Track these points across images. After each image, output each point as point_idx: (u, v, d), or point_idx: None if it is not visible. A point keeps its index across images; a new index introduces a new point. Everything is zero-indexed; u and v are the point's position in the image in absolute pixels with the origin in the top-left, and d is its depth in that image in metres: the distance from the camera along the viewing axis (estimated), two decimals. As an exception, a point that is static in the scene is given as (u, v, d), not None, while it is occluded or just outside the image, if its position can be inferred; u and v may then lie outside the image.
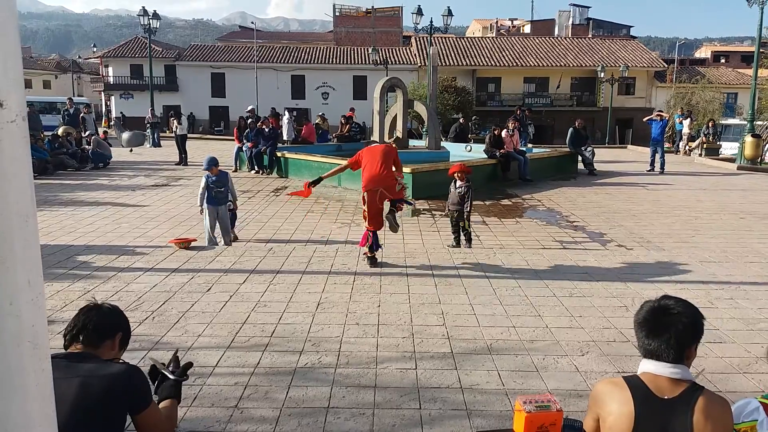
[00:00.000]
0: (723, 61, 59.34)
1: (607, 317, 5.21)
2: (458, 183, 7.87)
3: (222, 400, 3.73)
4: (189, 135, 18.97)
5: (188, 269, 6.55)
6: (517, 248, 7.70)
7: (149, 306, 5.38)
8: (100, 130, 22.33)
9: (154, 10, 24.91)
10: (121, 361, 2.29)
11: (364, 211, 6.92)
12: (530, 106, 29.56)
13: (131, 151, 19.97)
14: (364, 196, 6.92)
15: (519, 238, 8.29)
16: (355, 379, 4.03)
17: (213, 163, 7.77)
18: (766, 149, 19.84)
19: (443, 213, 10.07)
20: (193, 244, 7.51)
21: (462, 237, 7.85)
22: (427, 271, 6.61)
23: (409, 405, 3.70)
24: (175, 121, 17.70)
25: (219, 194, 7.73)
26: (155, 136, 23.14)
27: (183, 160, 16.76)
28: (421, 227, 8.98)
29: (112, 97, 44.63)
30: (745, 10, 17.99)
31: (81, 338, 2.25)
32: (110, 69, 45.16)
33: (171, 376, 2.45)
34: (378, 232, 6.91)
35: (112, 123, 35.14)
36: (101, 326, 2.28)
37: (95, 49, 65.22)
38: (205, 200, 7.67)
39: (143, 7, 24.25)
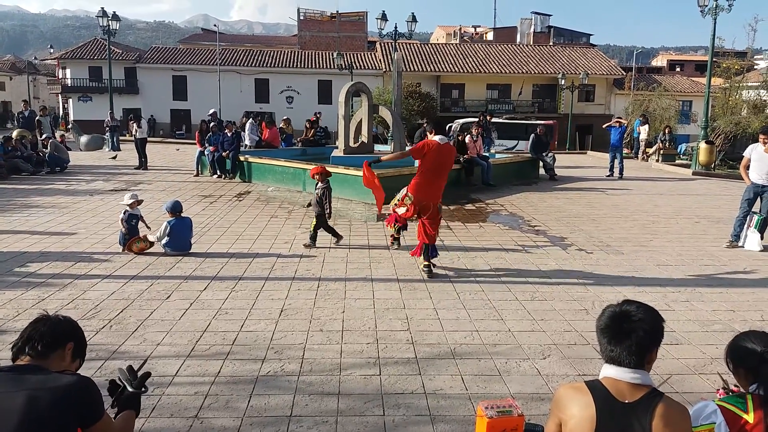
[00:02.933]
0: (678, 69, 61.17)
1: (568, 320, 5.29)
2: (318, 184, 8.09)
3: (181, 410, 3.65)
4: (149, 138, 18.58)
5: (147, 276, 6.41)
6: (481, 252, 7.76)
7: (107, 314, 5.25)
8: (58, 134, 21.74)
9: (114, 12, 24.39)
10: (70, 372, 2.22)
11: (403, 212, 6.73)
12: (492, 111, 29.93)
13: (115, 158, 19.35)
14: (407, 195, 6.57)
15: (482, 243, 8.36)
16: (318, 386, 3.99)
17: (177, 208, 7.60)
18: (719, 155, 20.53)
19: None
20: (150, 249, 7.34)
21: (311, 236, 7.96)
22: (392, 276, 6.61)
23: (372, 411, 3.68)
24: (134, 124, 17.33)
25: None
26: (114, 139, 22.61)
27: (143, 165, 16.42)
28: (387, 233, 8.97)
29: (70, 100, 43.50)
30: (699, 20, 18.60)
31: (27, 350, 2.16)
32: (68, 71, 44.02)
33: (129, 388, 2.39)
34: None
35: (69, 126, 34.23)
36: (49, 337, 2.20)
37: (52, 51, 63.51)
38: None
39: (102, 8, 23.72)
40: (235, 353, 4.48)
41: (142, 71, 42.75)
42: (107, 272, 6.53)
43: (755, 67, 34.24)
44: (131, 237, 7.50)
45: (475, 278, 6.57)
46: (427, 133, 6.59)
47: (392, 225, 6.97)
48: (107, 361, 4.32)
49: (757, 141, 8.49)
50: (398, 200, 6.87)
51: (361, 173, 11.63)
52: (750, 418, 2.09)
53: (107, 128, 22.90)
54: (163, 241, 7.30)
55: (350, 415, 3.63)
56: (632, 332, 2.05)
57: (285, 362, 4.35)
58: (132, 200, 7.70)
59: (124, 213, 7.66)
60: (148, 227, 7.90)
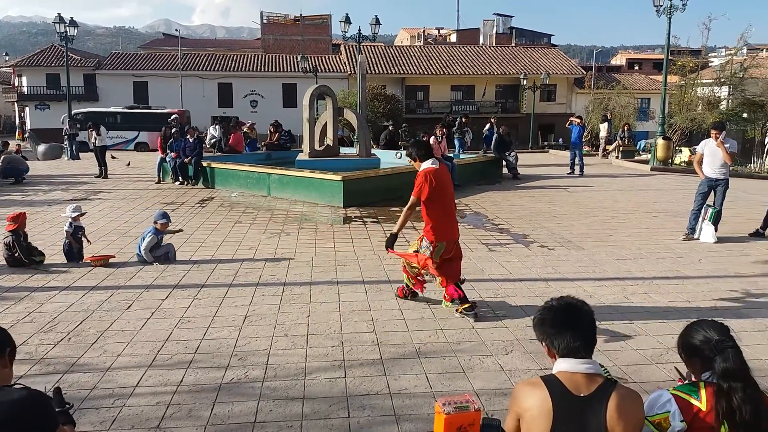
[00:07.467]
0: (636, 68, 62.52)
1: (530, 316, 5.36)
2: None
3: (142, 422, 3.59)
4: (109, 146, 18.22)
5: (107, 286, 6.29)
6: (446, 252, 7.81)
7: (65, 326, 5.13)
8: (13, 143, 21.16)
9: (71, 17, 23.81)
10: (20, 385, 2.17)
11: (427, 264, 5.29)
12: (466, 113, 29.99)
13: (128, 164, 18.98)
14: (440, 248, 5.24)
15: (447, 243, 8.41)
16: (282, 391, 3.98)
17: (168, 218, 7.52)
18: (676, 151, 21.08)
19: (374, 220, 10.13)
20: (111, 260, 7.21)
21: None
22: (358, 279, 6.61)
23: (337, 414, 3.68)
24: (93, 132, 16.96)
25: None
26: (73, 148, 22.10)
27: (103, 173, 16.09)
28: (353, 235, 8.99)
29: (27, 108, 42.32)
30: (655, 19, 19.08)
31: None
32: (24, 78, 42.79)
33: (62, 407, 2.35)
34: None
35: (26, 135, 33.35)
36: None
37: (7, 58, 61.68)
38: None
39: (59, 14, 23.16)
40: (197, 361, 4.43)
41: (102, 78, 41.85)
42: (65, 284, 6.38)
43: (709, 64, 35.23)
44: (79, 250, 7.40)
45: (440, 278, 6.61)
46: (415, 161, 5.38)
47: (457, 294, 5.34)
48: (66, 374, 4.22)
49: (710, 136, 8.75)
50: (425, 251, 5.35)
51: (326, 177, 11.67)
52: (703, 405, 2.15)
53: (65, 136, 22.38)
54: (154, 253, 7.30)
55: (315, 419, 3.63)
56: (589, 322, 2.16)
57: (249, 369, 4.32)
58: (76, 213, 7.54)
59: (70, 226, 7.50)
60: (89, 241, 7.79)
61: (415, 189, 5.26)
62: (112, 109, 31.11)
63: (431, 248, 5.27)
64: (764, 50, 44.20)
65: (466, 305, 5.32)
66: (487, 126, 17.64)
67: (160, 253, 7.36)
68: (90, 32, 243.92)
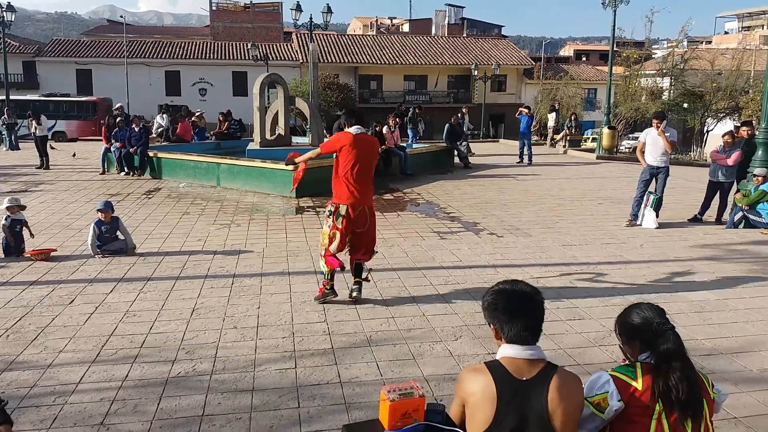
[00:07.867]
0: (584, 59, 63.93)
1: (479, 302, 5.45)
2: None
3: (86, 418, 3.50)
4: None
5: (48, 281, 6.07)
6: (398, 241, 7.86)
7: (3, 323, 4.94)
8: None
9: (8, 2, 22.72)
10: None
11: (333, 232, 5.31)
12: (419, 103, 30.06)
13: (74, 155, 18.27)
14: (340, 211, 5.27)
15: (400, 231, 8.47)
16: (231, 384, 3.93)
17: (108, 206, 7.24)
18: (621, 139, 21.74)
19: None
20: (53, 254, 6.96)
21: None
22: (310, 269, 6.58)
23: (287, 405, 3.67)
24: (33, 121, 16.27)
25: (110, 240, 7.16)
26: (12, 138, 21.18)
27: (44, 164, 15.48)
28: (305, 225, 8.93)
29: (-40, 96, 40.27)
30: (601, 11, 19.57)
31: None
32: (-44, 65, 40.71)
33: None
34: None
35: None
36: None
37: (-63, 43, 58.47)
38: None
39: (-6, -3, 22.10)
40: (143, 356, 4.33)
41: (43, 65, 40.21)
42: (3, 279, 6.13)
43: (652, 56, 36.36)
44: (17, 245, 7.11)
45: (392, 266, 6.65)
46: (344, 125, 5.51)
47: (331, 266, 5.41)
48: (4, 372, 4.07)
49: (652, 125, 9.04)
50: (328, 228, 5.38)
51: (277, 166, 11.54)
52: (639, 385, 2.22)
53: (4, 126, 21.42)
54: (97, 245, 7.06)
55: (264, 410, 3.60)
56: (538, 308, 2.20)
57: (197, 362, 4.25)
58: (11, 204, 7.23)
59: (6, 219, 7.20)
60: (32, 234, 7.50)
61: (323, 144, 5.66)
62: (28, 97, 30.22)
63: (333, 210, 5.35)
64: (703, 43, 45.88)
65: (331, 284, 5.45)
66: (458, 116, 17.93)
67: (112, 248, 7.11)
68: (29, 18, 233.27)
